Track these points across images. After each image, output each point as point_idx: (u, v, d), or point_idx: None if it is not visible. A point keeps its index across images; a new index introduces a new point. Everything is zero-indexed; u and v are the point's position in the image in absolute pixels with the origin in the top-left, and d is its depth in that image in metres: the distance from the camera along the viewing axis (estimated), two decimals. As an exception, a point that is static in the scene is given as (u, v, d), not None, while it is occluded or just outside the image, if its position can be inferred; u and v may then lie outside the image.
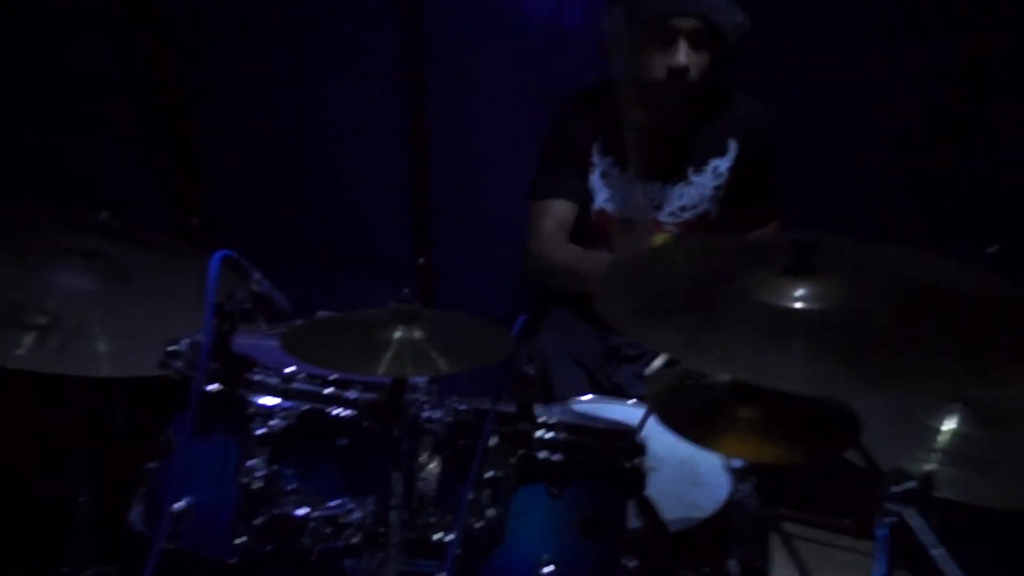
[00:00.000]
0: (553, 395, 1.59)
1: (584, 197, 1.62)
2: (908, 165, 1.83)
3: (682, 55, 1.41)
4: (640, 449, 1.05)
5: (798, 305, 0.84)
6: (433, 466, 1.14)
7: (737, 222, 1.66)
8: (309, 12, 2.04)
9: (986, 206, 1.79)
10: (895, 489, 0.80)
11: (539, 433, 1.02)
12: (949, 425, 1.09)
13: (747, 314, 0.84)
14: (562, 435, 1.03)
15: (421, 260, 2.17)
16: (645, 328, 0.90)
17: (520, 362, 1.02)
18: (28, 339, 1.03)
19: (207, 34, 2.12)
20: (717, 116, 1.58)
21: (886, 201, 1.86)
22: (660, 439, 1.27)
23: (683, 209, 1.61)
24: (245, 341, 1.07)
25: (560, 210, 1.60)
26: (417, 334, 0.97)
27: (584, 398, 1.48)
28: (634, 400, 1.48)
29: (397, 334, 0.96)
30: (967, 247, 1.80)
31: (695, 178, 1.59)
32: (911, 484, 0.80)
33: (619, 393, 1.63)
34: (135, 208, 1.48)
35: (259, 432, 1.02)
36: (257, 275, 1.03)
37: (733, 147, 1.59)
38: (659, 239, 1.62)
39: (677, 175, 1.59)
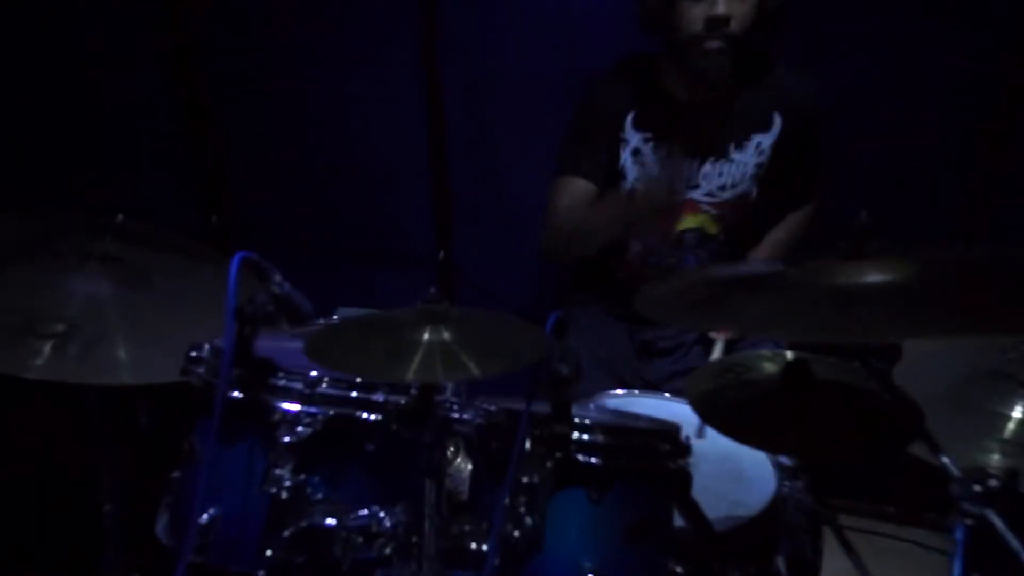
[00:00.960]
0: (582, 394, 1.54)
1: (612, 176, 1.54)
2: (954, 154, 1.74)
3: (721, 4, 1.32)
4: (685, 449, 1.00)
5: (867, 280, 0.78)
6: (464, 471, 1.09)
7: (775, 202, 1.57)
8: (328, 6, 1.98)
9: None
10: (976, 488, 0.74)
11: (576, 435, 0.97)
12: (1015, 413, 1.02)
13: (815, 294, 0.78)
14: (600, 437, 0.97)
15: (442, 255, 2.12)
16: (709, 317, 0.85)
17: (554, 361, 0.97)
18: (46, 348, 1.00)
19: (228, 31, 2.07)
20: (760, 88, 1.48)
21: (930, 190, 1.77)
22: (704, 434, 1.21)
23: (722, 188, 1.52)
24: (267, 344, 1.03)
25: (579, 189, 1.52)
26: (446, 335, 0.92)
27: (617, 392, 1.42)
28: (668, 394, 1.42)
29: (425, 336, 0.91)
30: (1015, 238, 1.72)
31: (736, 155, 1.50)
32: (994, 482, 0.73)
33: (649, 389, 1.57)
34: (153, 207, 1.45)
35: (285, 439, 0.98)
36: (278, 276, 0.99)
37: (778, 122, 1.50)
38: (687, 222, 1.55)
39: (716, 152, 1.50)
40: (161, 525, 1.02)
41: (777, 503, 1.19)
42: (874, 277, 0.79)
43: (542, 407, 0.98)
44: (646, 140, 1.51)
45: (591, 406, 1.24)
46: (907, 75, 1.72)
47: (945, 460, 0.80)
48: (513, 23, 1.90)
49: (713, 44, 1.36)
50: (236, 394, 0.99)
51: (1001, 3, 1.63)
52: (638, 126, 1.51)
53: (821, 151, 1.58)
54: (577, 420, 0.98)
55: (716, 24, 1.34)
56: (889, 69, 1.73)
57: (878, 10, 1.70)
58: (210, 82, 2.13)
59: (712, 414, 1.02)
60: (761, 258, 1.53)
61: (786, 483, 1.22)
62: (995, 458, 0.98)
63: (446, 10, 1.92)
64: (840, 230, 0.84)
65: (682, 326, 1.55)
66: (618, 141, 1.52)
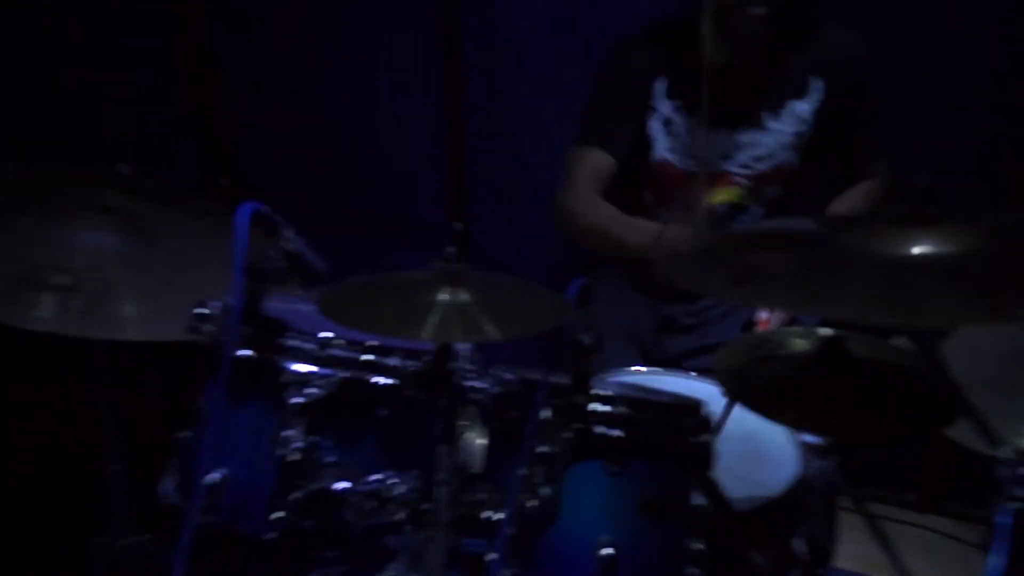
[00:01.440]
0: (603, 368, 1.50)
1: (639, 147, 1.48)
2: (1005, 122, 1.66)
3: None
4: (707, 424, 0.96)
5: (921, 251, 0.72)
6: (479, 439, 1.06)
7: (826, 176, 1.49)
8: None
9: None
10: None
11: (595, 406, 0.94)
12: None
13: (866, 267, 0.73)
14: (621, 409, 0.94)
15: (458, 225, 2.07)
16: (754, 293, 0.79)
17: (576, 329, 0.93)
18: (50, 300, 0.97)
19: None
20: (801, 52, 1.40)
21: (981, 161, 1.70)
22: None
23: (758, 159, 1.45)
24: (279, 305, 1.00)
25: (598, 162, 1.45)
26: (464, 297, 0.88)
27: (639, 370, 1.38)
28: (693, 372, 1.38)
29: (442, 297, 0.88)
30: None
31: (771, 124, 1.43)
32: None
33: (673, 366, 1.53)
34: (163, 167, 1.41)
35: (295, 401, 0.95)
36: (289, 231, 0.95)
37: (818, 88, 1.42)
38: (719, 195, 1.48)
39: (749, 120, 1.43)
40: (168, 486, 1.00)
41: (799, 485, 1.15)
42: (937, 247, 0.73)
43: (561, 377, 0.95)
44: (677, 109, 1.44)
45: (611, 379, 1.20)
46: (959, 40, 1.64)
47: (994, 443, 0.76)
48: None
49: (757, 10, 1.29)
50: (245, 354, 0.96)
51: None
52: (670, 94, 1.44)
53: (877, 119, 1.47)
54: (597, 392, 0.94)
55: None
56: (940, 35, 1.64)
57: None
58: (219, 45, 2.07)
59: (741, 390, 0.97)
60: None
61: (809, 465, 1.18)
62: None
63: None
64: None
65: (715, 298, 1.49)
66: (646, 109, 1.46)
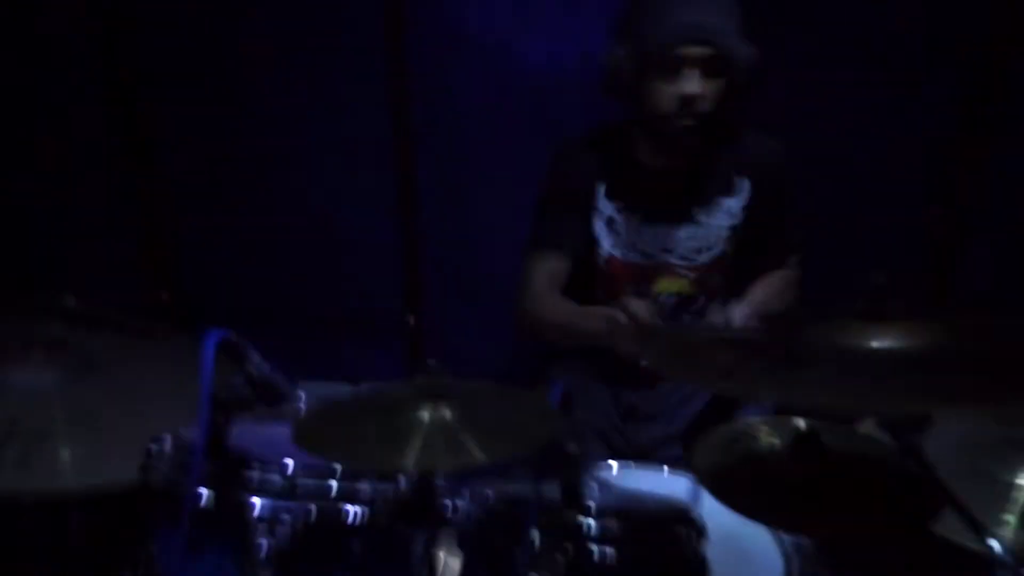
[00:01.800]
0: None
1: (587, 245, 1.53)
2: (935, 169, 1.82)
3: (693, 83, 1.36)
4: (700, 533, 0.93)
5: (879, 345, 0.76)
6: (455, 566, 0.99)
7: (752, 262, 1.58)
8: (294, 65, 1.94)
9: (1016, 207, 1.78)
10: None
11: (586, 524, 0.89)
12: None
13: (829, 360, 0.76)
14: (614, 524, 0.90)
15: (411, 319, 2.03)
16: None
17: (562, 438, 0.90)
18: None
19: (175, 83, 1.97)
20: (726, 153, 1.52)
21: (911, 206, 1.83)
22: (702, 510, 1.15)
23: (697, 252, 1.53)
24: (241, 434, 0.92)
25: (552, 264, 1.52)
26: (447, 415, 0.84)
27: (611, 466, 1.34)
28: (666, 468, 1.35)
29: (425, 416, 0.84)
30: (997, 250, 1.80)
31: (704, 218, 1.53)
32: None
33: (638, 455, 1.51)
34: (100, 285, 1.33)
35: (260, 544, 0.86)
36: (256, 356, 0.89)
37: (745, 186, 1.53)
38: (664, 286, 1.55)
39: (684, 216, 1.52)
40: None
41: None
42: (895, 343, 0.77)
43: (545, 487, 0.91)
44: (619, 210, 1.53)
45: (593, 485, 1.16)
46: (868, 142, 1.81)
47: (989, 540, 0.77)
48: (487, 80, 1.90)
49: (686, 122, 1.40)
50: (206, 496, 0.87)
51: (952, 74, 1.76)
52: (610, 196, 1.53)
53: (795, 210, 1.59)
54: (587, 507, 0.90)
55: (688, 103, 1.39)
56: (852, 137, 1.81)
57: (841, 83, 1.79)
58: (159, 140, 2.01)
59: (722, 490, 0.96)
60: (744, 311, 1.51)
61: (793, 563, 1.16)
62: (1011, 531, 0.94)
63: (417, 71, 1.90)
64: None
65: (688, 383, 1.52)
66: (591, 210, 1.53)
